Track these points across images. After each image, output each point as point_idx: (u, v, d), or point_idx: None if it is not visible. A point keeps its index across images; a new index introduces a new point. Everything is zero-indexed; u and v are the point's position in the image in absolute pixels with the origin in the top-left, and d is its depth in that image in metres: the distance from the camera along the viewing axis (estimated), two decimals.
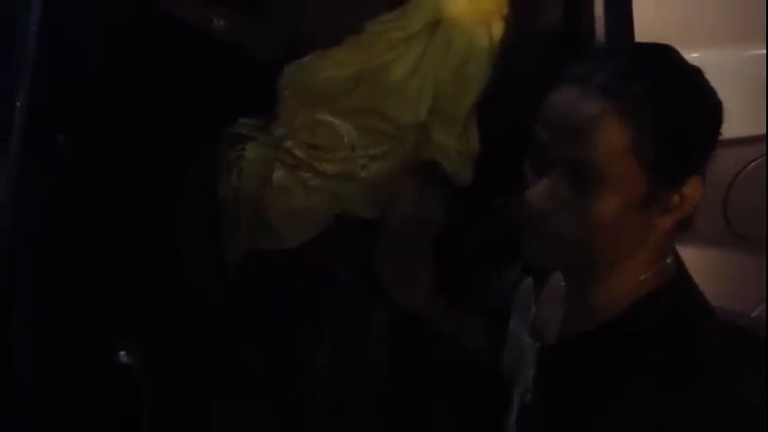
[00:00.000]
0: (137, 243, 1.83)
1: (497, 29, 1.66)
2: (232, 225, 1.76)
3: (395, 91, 1.68)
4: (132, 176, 1.84)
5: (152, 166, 1.87)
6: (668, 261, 1.00)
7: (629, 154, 0.91)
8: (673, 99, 0.93)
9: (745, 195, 1.49)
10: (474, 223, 1.73)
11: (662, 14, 1.47)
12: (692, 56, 1.39)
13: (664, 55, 0.98)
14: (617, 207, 0.93)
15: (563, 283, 1.08)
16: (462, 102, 1.68)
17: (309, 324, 1.73)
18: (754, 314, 1.58)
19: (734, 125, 1.34)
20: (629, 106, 0.91)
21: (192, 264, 1.84)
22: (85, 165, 1.61)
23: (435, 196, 1.68)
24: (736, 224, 1.51)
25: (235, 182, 1.77)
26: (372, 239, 1.67)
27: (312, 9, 1.76)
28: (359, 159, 1.72)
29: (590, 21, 1.46)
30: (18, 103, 1.30)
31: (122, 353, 1.65)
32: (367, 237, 1.68)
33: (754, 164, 1.48)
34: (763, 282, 1.59)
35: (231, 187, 1.77)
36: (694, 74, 0.97)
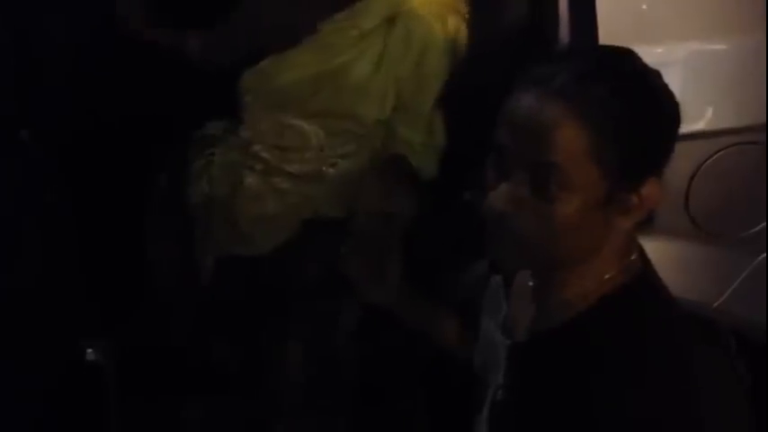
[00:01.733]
0: (106, 242, 1.81)
1: (453, 21, 1.66)
2: (203, 231, 1.75)
3: (358, 90, 1.67)
4: (102, 176, 1.82)
5: (121, 166, 1.85)
6: (632, 258, 1.01)
7: (587, 157, 0.92)
8: (631, 102, 0.93)
9: (706, 189, 1.49)
10: (442, 218, 1.73)
11: (625, 11, 1.48)
12: (655, 51, 1.43)
13: (623, 58, 0.98)
14: (577, 208, 0.93)
15: (531, 283, 1.08)
16: (424, 96, 1.67)
17: (280, 324, 1.72)
18: (715, 305, 1.62)
19: (695, 119, 1.37)
20: (587, 109, 0.92)
21: (161, 267, 1.83)
22: (53, 163, 1.60)
23: (403, 191, 1.68)
24: (697, 217, 1.53)
25: (205, 188, 1.75)
26: (341, 238, 1.68)
27: (266, 13, 1.75)
28: (327, 159, 1.71)
29: (554, 18, 1.46)
30: None
31: (89, 350, 1.64)
32: (336, 235, 1.70)
33: (714, 157, 1.49)
34: (725, 273, 1.63)
35: (202, 194, 1.75)
36: (653, 77, 0.97)
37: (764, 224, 1.57)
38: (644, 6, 1.51)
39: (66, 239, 1.65)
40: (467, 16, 1.68)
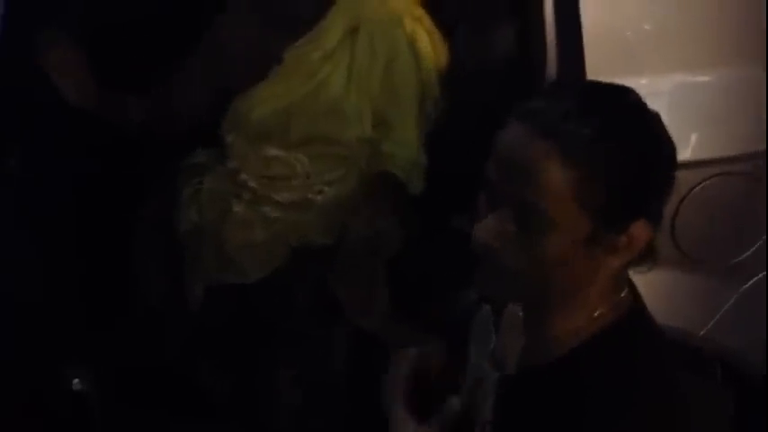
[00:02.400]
0: (94, 270, 1.81)
1: (410, 26, 1.66)
2: (192, 259, 1.75)
3: (333, 112, 1.67)
4: (90, 203, 1.82)
5: (109, 193, 1.85)
6: (623, 295, 1.00)
7: (572, 197, 0.90)
8: (620, 144, 0.91)
9: (692, 218, 1.49)
10: (430, 244, 1.73)
11: (611, 43, 1.48)
12: (640, 82, 1.45)
13: (617, 97, 0.95)
14: (560, 246, 0.92)
15: (521, 314, 1.07)
16: (400, 106, 1.67)
17: (270, 350, 1.71)
18: (702, 333, 1.62)
19: (681, 149, 1.39)
20: (573, 150, 0.89)
21: (150, 295, 1.82)
22: (41, 191, 1.60)
23: (391, 210, 1.68)
24: (684, 245, 1.54)
25: (194, 217, 1.76)
26: (330, 264, 1.68)
27: (227, 55, 1.75)
28: (314, 186, 1.72)
29: (542, 49, 1.47)
30: None
31: (76, 380, 1.63)
32: (325, 262, 1.69)
33: (700, 187, 1.50)
34: (711, 301, 1.64)
35: (191, 222, 1.76)
36: (647, 119, 0.94)
37: (750, 253, 1.59)
38: (629, 39, 1.54)
39: (53, 268, 1.64)
40: (426, 22, 1.69)
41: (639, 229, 0.94)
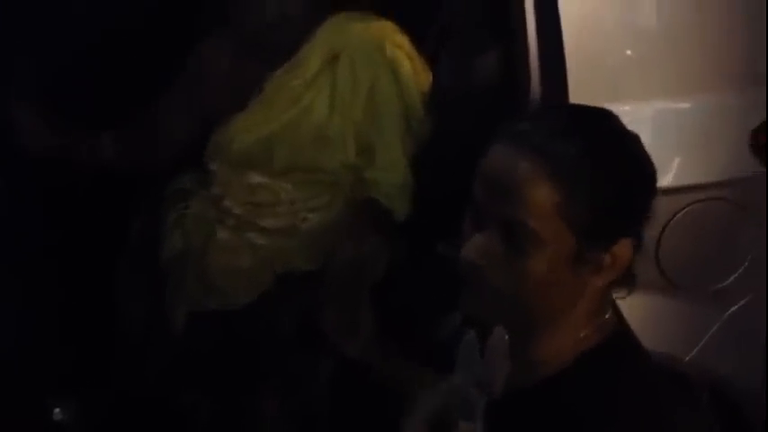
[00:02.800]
0: (73, 295, 1.79)
1: (391, 52, 1.67)
2: (176, 285, 1.73)
3: (316, 140, 1.67)
4: (72, 230, 1.81)
5: (92, 220, 1.84)
6: (607, 316, 1.00)
7: (558, 215, 0.91)
8: (604, 164, 0.93)
9: (675, 243, 1.50)
10: (416, 270, 1.72)
11: (594, 70, 1.49)
12: (622, 109, 1.46)
13: (599, 118, 0.98)
14: (547, 265, 0.93)
15: (507, 337, 1.07)
16: (384, 132, 1.68)
17: (255, 377, 1.70)
18: (687, 358, 1.62)
19: (662, 176, 1.40)
20: (559, 169, 0.91)
21: (132, 321, 1.80)
22: (25, 217, 1.59)
23: (376, 238, 1.68)
24: (668, 271, 1.55)
25: (178, 242, 1.75)
26: (315, 291, 1.68)
27: (207, 85, 1.76)
28: (299, 213, 1.72)
29: (526, 74, 1.48)
30: None
31: (57, 410, 1.61)
32: (310, 288, 1.69)
33: (682, 212, 1.51)
34: (696, 326, 1.64)
35: (175, 248, 1.75)
36: (629, 140, 0.96)
37: (733, 278, 1.60)
38: (611, 66, 1.55)
39: (33, 295, 1.63)
40: (407, 46, 1.70)
41: (623, 248, 0.95)
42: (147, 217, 1.82)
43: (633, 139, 0.97)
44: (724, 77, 1.57)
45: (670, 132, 1.55)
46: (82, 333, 1.78)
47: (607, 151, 0.94)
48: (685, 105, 1.57)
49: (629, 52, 1.55)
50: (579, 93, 1.48)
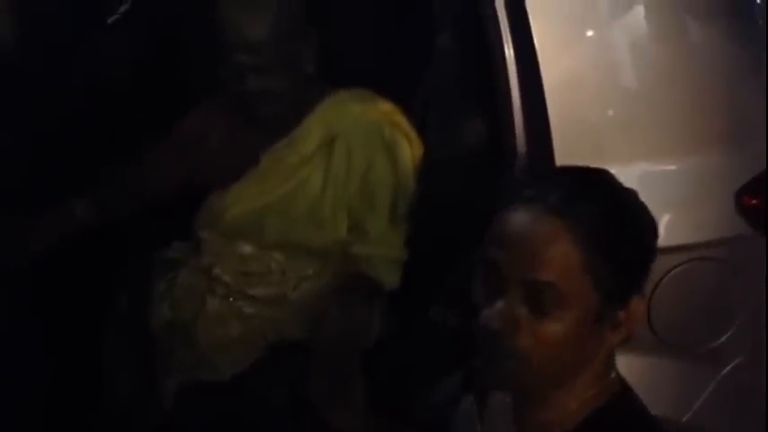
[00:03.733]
0: (60, 365, 1.77)
1: (390, 133, 1.68)
2: (165, 356, 1.71)
3: (307, 218, 1.68)
4: (60, 301, 1.79)
5: (81, 291, 1.82)
6: (612, 376, 1.00)
7: (582, 273, 0.93)
8: (619, 220, 0.96)
9: (667, 303, 1.48)
10: (409, 336, 1.70)
11: (579, 133, 1.50)
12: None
13: (605, 178, 1.01)
14: (573, 325, 0.93)
15: (508, 401, 1.05)
16: (375, 212, 1.68)
17: None
18: (684, 419, 1.61)
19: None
20: (582, 227, 0.93)
21: (120, 393, 1.77)
22: (11, 289, 1.57)
23: (366, 308, 1.67)
24: (660, 331, 1.54)
25: (167, 312, 1.73)
26: (306, 361, 1.66)
27: (198, 150, 1.76)
28: (290, 282, 1.71)
29: (511, 137, 1.49)
30: None
31: None
32: (301, 358, 1.66)
33: (673, 272, 1.51)
34: (692, 387, 1.63)
35: (163, 318, 1.73)
36: (632, 195, 1.00)
37: (726, 337, 1.60)
38: (596, 128, 1.57)
39: (19, 364, 1.61)
40: (405, 126, 1.72)
41: (637, 304, 0.97)
42: (135, 286, 1.81)
43: (634, 194, 1.00)
44: (708, 138, 1.59)
45: (656, 194, 1.55)
46: (67, 404, 1.75)
47: (622, 211, 0.97)
48: (671, 167, 1.59)
49: (611, 113, 1.57)
50: (565, 155, 1.49)
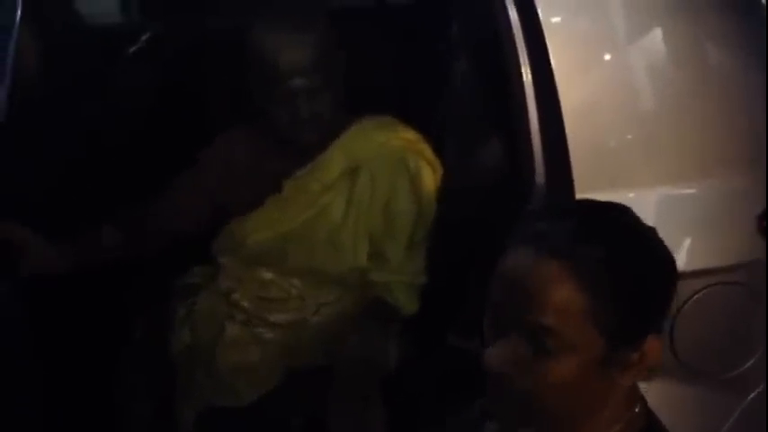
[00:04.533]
0: (78, 398, 1.76)
1: (414, 162, 1.68)
2: (184, 383, 1.70)
3: (329, 243, 1.67)
4: (76, 332, 1.78)
5: (98, 318, 1.82)
6: (636, 410, 0.97)
7: (585, 318, 0.89)
8: (628, 262, 0.91)
9: (689, 329, 1.47)
10: (427, 361, 1.69)
11: (597, 157, 1.49)
12: (628, 196, 1.47)
13: (618, 215, 0.96)
14: (576, 368, 0.90)
15: None
16: (396, 240, 1.67)
17: None
18: None
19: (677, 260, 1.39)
20: (584, 270, 0.89)
21: (138, 418, 1.76)
22: (28, 316, 1.58)
23: (385, 334, 1.65)
24: (683, 357, 1.53)
25: (186, 338, 1.72)
26: (326, 387, 1.65)
27: (229, 180, 1.76)
28: (310, 308, 1.70)
29: (530, 162, 1.48)
30: None
31: None
32: (320, 384, 1.64)
33: (695, 297, 1.49)
34: (716, 413, 1.60)
35: (183, 344, 1.72)
36: (648, 236, 0.95)
37: (750, 363, 1.57)
38: (615, 152, 1.55)
39: (37, 395, 1.60)
40: (428, 154, 1.71)
41: (651, 344, 0.93)
42: (153, 313, 1.81)
43: (651, 234, 0.95)
44: (729, 162, 1.57)
45: (677, 218, 1.54)
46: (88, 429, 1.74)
47: (630, 252, 0.92)
48: (691, 191, 1.57)
49: (629, 136, 1.56)
50: (583, 179, 1.48)
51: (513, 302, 0.92)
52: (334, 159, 1.68)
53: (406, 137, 1.70)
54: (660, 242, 0.96)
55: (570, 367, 0.90)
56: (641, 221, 0.96)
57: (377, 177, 1.67)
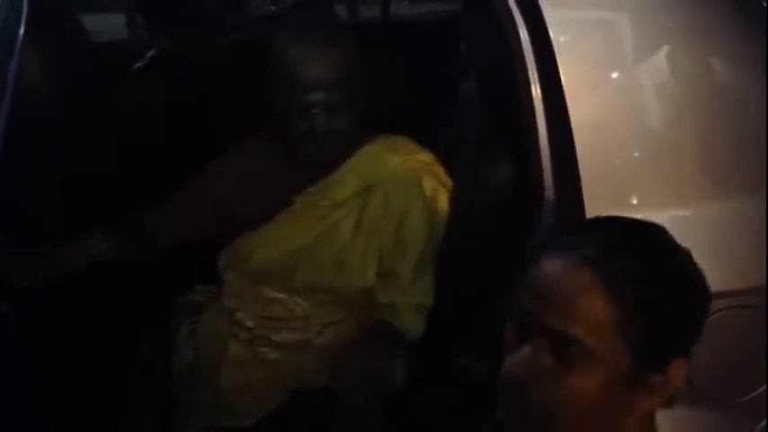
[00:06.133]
0: (84, 417, 1.75)
1: (429, 183, 1.66)
2: (187, 402, 1.67)
3: (338, 262, 1.64)
4: (81, 348, 1.76)
5: (103, 338, 1.80)
6: None
7: (612, 331, 0.87)
8: (661, 280, 0.90)
9: (703, 352, 1.47)
10: (434, 383, 1.65)
11: (607, 178, 1.46)
12: (638, 217, 1.45)
13: (652, 234, 0.95)
14: (599, 383, 0.88)
15: None
16: (406, 260, 1.65)
17: None
18: None
19: None
20: (615, 283, 0.87)
21: None
22: (31, 336, 1.56)
23: (390, 355, 1.62)
24: (695, 380, 1.49)
25: (189, 357, 1.70)
26: (327, 407, 1.63)
27: (238, 191, 1.73)
28: (314, 328, 1.68)
29: (540, 183, 1.46)
30: None
31: None
32: (324, 405, 1.62)
33: (709, 320, 1.50)
34: None
35: (186, 363, 1.69)
36: (683, 258, 0.94)
37: (764, 388, 1.54)
38: (625, 174, 1.54)
39: (42, 416, 1.59)
40: (442, 176, 1.69)
41: (677, 368, 0.91)
42: (158, 332, 1.79)
43: (686, 256, 0.94)
44: (741, 181, 1.54)
45: (688, 239, 1.52)
46: None
47: (661, 270, 0.91)
48: (703, 212, 1.55)
49: (637, 155, 1.51)
50: (591, 197, 1.45)
51: (541, 309, 0.90)
52: (346, 179, 1.66)
53: (420, 158, 1.68)
54: (694, 265, 0.94)
55: (592, 381, 0.88)
56: (676, 242, 0.95)
57: (391, 196, 1.64)
